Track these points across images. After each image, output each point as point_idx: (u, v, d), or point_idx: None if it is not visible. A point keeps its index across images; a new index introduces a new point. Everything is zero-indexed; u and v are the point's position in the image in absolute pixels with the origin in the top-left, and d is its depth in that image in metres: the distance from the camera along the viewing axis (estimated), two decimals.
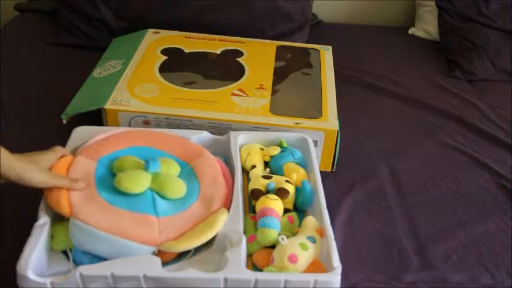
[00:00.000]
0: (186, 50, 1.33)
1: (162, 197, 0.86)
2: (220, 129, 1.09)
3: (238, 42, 1.38)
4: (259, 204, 0.89)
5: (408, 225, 1.02)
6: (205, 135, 1.02)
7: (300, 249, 0.80)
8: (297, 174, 0.96)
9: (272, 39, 1.43)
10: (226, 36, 1.39)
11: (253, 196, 0.92)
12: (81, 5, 1.49)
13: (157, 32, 1.39)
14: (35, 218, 0.82)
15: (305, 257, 0.80)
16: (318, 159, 1.10)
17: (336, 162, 1.11)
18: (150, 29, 1.40)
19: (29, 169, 0.80)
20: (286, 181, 0.93)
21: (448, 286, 0.92)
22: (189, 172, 0.92)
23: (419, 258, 0.96)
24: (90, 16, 1.49)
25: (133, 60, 1.25)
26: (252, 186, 0.93)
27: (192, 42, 1.36)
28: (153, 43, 1.33)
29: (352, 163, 1.14)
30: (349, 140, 1.15)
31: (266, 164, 1.00)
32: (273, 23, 1.53)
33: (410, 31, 1.73)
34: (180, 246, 0.80)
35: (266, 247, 0.84)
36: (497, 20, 1.53)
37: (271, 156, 1.00)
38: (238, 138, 1.01)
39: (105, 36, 1.48)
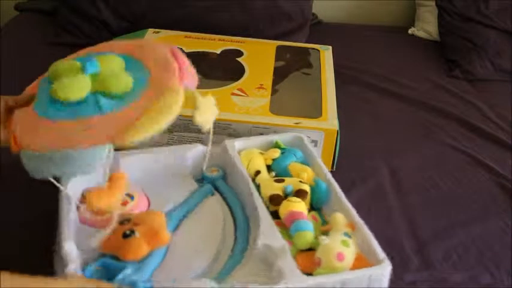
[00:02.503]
0: (186, 50, 1.32)
1: (107, 96, 0.78)
2: (220, 128, 1.09)
3: (238, 42, 1.38)
4: (283, 209, 0.87)
5: (408, 225, 1.02)
6: (200, 148, 0.98)
7: (343, 247, 0.79)
8: (307, 173, 0.95)
9: (272, 39, 1.43)
10: (226, 36, 1.39)
11: (273, 202, 0.89)
12: (81, 5, 1.49)
13: (157, 32, 1.39)
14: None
15: (350, 253, 0.79)
16: None
17: (336, 162, 1.11)
18: (150, 29, 1.40)
19: None
20: (300, 181, 0.92)
21: (448, 286, 0.92)
22: (135, 64, 0.83)
23: (419, 258, 0.96)
24: (90, 16, 1.49)
25: None
26: (267, 191, 0.90)
27: (192, 42, 1.36)
28: None
29: (352, 163, 1.14)
30: (349, 140, 1.15)
31: (268, 168, 0.98)
32: (273, 23, 1.53)
33: (410, 31, 1.73)
34: (135, 133, 0.72)
35: (301, 250, 0.83)
36: (497, 20, 1.53)
37: (273, 159, 0.98)
38: (235, 146, 0.98)
39: (105, 36, 1.48)
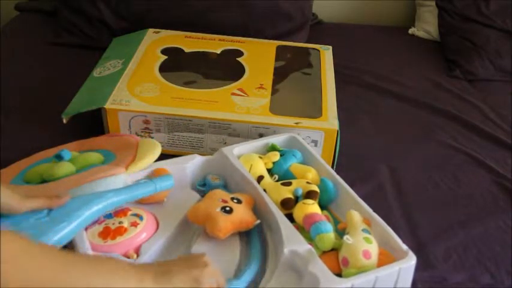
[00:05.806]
0: (186, 50, 1.33)
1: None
2: (220, 128, 1.09)
3: (238, 42, 1.38)
4: (299, 212, 0.87)
5: (408, 225, 1.02)
6: (198, 159, 0.98)
7: (367, 244, 0.79)
8: (311, 173, 0.95)
9: (272, 39, 1.43)
10: (226, 36, 1.39)
11: (285, 206, 0.89)
12: (81, 5, 1.49)
13: (157, 32, 1.39)
14: None
15: (374, 250, 0.79)
16: None
17: (336, 162, 1.11)
18: (150, 29, 1.40)
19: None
20: (307, 183, 0.92)
21: (448, 286, 0.92)
22: (111, 155, 0.99)
23: (419, 258, 0.96)
24: (90, 16, 1.49)
25: (134, 60, 1.25)
26: (277, 196, 0.90)
27: (192, 42, 1.36)
28: (153, 43, 1.33)
29: (352, 163, 1.14)
30: (349, 140, 1.15)
31: (268, 171, 0.97)
32: (273, 23, 1.53)
33: (410, 31, 1.73)
34: (140, 164, 0.92)
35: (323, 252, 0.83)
36: (497, 20, 1.53)
37: (273, 162, 0.98)
38: (234, 152, 0.97)
39: (105, 36, 1.48)
